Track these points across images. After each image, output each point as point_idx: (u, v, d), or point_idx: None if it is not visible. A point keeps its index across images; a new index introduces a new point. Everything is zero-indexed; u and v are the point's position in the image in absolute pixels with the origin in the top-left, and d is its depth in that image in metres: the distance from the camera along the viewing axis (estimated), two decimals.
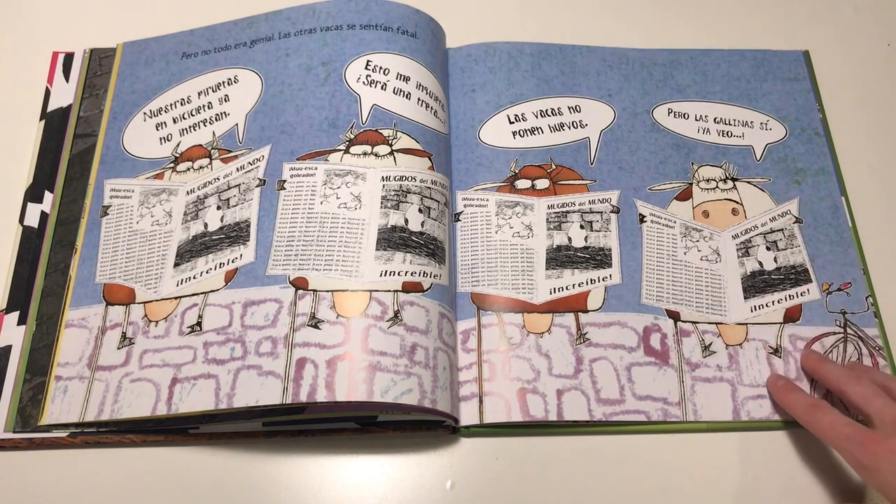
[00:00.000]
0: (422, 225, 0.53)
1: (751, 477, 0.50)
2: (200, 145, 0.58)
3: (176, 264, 0.53)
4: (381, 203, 0.53)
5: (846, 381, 0.48)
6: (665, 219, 0.58)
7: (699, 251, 0.57)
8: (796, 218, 0.58)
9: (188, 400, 0.48)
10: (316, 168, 0.54)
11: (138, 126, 0.59)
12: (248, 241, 0.53)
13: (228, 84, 0.60)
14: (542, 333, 0.53)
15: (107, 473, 0.49)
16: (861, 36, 0.68)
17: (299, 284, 0.50)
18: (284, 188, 0.54)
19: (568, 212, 0.57)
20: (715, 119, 0.62)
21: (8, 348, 0.52)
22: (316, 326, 0.49)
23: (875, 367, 0.53)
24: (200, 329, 0.50)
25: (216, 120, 0.58)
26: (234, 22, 0.62)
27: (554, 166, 0.59)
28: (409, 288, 0.50)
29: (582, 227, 0.57)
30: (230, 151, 0.57)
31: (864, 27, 0.69)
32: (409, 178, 0.54)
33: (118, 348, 0.51)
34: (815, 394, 0.52)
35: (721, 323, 0.54)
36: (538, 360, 0.52)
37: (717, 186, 0.59)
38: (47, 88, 0.62)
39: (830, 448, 0.48)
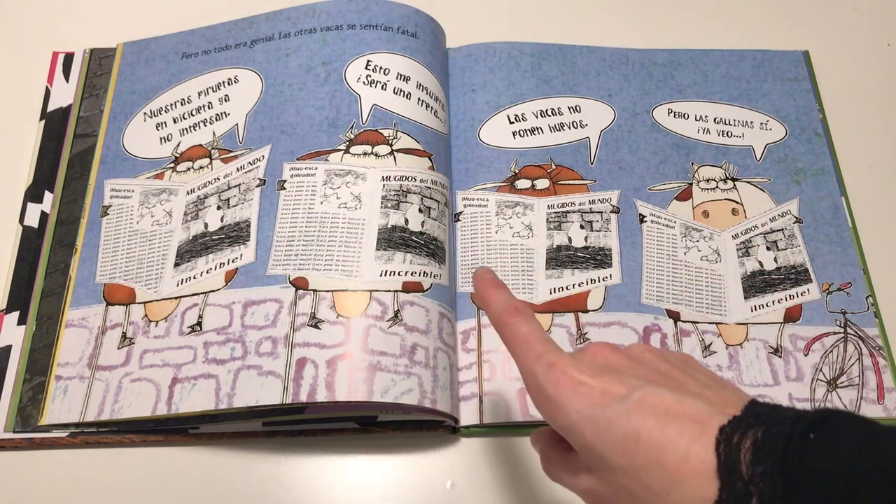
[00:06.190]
0: (422, 225, 0.53)
1: None
2: (200, 145, 0.58)
3: (176, 264, 0.53)
4: (382, 203, 0.53)
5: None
6: (665, 219, 0.58)
7: (699, 251, 0.57)
8: (796, 218, 0.58)
9: (188, 400, 0.48)
10: (316, 168, 0.54)
11: (138, 126, 0.59)
12: (248, 241, 0.53)
13: (228, 84, 0.60)
14: None
15: (107, 473, 0.49)
16: (861, 36, 0.68)
17: (299, 284, 0.50)
18: (284, 188, 0.54)
19: (568, 212, 0.57)
20: (715, 119, 0.62)
21: (8, 348, 0.52)
22: (316, 326, 0.49)
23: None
24: (200, 329, 0.50)
25: (216, 120, 0.58)
26: (234, 22, 0.62)
27: (554, 166, 0.59)
28: (409, 288, 0.50)
29: (582, 227, 0.57)
30: (230, 151, 0.57)
31: (864, 27, 0.69)
32: (410, 178, 0.54)
33: (118, 348, 0.51)
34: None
35: (721, 323, 0.54)
36: None
37: (717, 186, 0.59)
38: (47, 88, 0.62)
39: (518, 371, 0.36)
